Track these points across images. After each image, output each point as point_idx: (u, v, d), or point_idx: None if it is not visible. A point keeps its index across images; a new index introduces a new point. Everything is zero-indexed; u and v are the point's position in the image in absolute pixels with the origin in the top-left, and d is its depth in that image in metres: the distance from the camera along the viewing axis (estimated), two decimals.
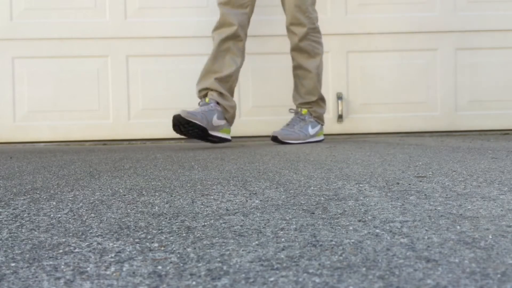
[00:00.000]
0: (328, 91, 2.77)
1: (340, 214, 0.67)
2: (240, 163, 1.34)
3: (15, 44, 2.69)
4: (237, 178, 1.02)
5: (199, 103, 2.14)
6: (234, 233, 0.58)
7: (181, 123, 1.98)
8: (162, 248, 0.53)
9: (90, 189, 0.93)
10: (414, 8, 2.77)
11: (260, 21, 2.73)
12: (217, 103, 2.10)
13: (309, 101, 2.32)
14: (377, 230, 0.58)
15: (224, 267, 0.46)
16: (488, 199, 0.75)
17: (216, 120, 2.07)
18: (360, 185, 0.90)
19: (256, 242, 0.54)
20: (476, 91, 2.79)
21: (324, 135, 2.45)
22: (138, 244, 0.54)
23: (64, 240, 0.57)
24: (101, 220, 0.67)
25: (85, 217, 0.69)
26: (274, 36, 2.73)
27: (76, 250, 0.53)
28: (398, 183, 0.91)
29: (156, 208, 0.74)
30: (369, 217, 0.64)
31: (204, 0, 2.67)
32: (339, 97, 2.75)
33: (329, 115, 2.77)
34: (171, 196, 0.84)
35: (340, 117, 2.74)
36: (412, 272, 0.44)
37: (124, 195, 0.86)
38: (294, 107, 2.40)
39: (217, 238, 0.56)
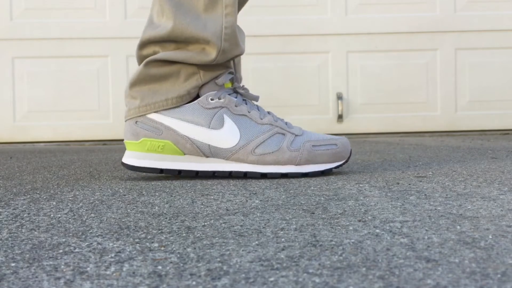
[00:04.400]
0: (328, 91, 2.77)
1: (340, 214, 0.67)
2: None
3: (15, 44, 2.69)
4: (237, 178, 1.02)
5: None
6: (234, 233, 0.58)
7: None
8: (162, 248, 0.53)
9: (90, 189, 0.93)
10: (414, 8, 2.77)
11: (260, 21, 2.73)
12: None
13: None
14: (377, 230, 0.58)
15: (224, 267, 0.46)
16: (488, 199, 0.75)
17: None
18: (360, 185, 0.90)
19: (256, 242, 0.54)
20: (476, 91, 2.80)
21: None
22: (138, 244, 0.54)
23: (64, 240, 0.57)
24: (101, 220, 0.67)
25: (85, 217, 0.69)
26: (274, 36, 2.73)
27: (76, 250, 0.53)
28: (398, 183, 0.91)
29: (156, 208, 0.74)
30: (369, 217, 0.64)
31: None
32: (339, 97, 2.75)
33: (329, 115, 2.77)
34: (171, 196, 0.84)
35: (340, 117, 2.74)
36: (412, 272, 0.44)
37: (124, 195, 0.86)
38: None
39: (217, 238, 0.56)
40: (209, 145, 1.00)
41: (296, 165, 1.00)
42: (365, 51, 2.77)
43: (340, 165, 1.04)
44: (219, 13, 1.00)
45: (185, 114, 1.01)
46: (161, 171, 1.02)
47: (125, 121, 1.05)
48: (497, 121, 2.80)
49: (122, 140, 2.85)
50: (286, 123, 1.04)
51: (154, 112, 1.01)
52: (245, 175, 1.01)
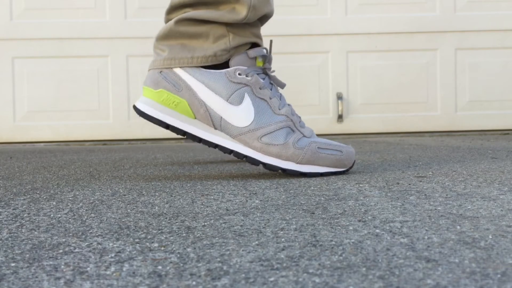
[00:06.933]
0: (328, 91, 2.77)
1: (340, 214, 0.67)
2: (240, 163, 1.34)
3: (15, 44, 2.69)
4: (237, 178, 1.02)
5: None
6: (234, 233, 0.58)
7: None
8: (162, 248, 0.53)
9: (90, 189, 0.93)
10: (414, 8, 2.77)
11: None
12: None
13: None
14: (377, 230, 0.58)
15: (224, 267, 0.46)
16: (488, 199, 0.75)
17: None
18: (360, 185, 0.90)
19: (256, 242, 0.54)
20: (476, 91, 2.80)
21: (324, 135, 2.44)
22: (138, 244, 0.54)
23: (64, 240, 0.57)
24: (101, 220, 0.67)
25: (85, 217, 0.69)
26: (274, 36, 2.73)
27: (76, 250, 0.53)
28: (398, 183, 0.91)
29: (156, 208, 0.74)
30: (369, 217, 0.64)
31: None
32: (339, 97, 2.75)
33: (329, 115, 2.77)
34: (171, 196, 0.84)
35: (340, 117, 2.74)
36: (412, 272, 0.44)
37: (124, 195, 0.86)
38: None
39: (217, 238, 0.56)
40: (221, 117, 0.99)
41: (297, 163, 1.00)
42: (365, 51, 2.77)
43: (340, 172, 1.03)
44: None
45: (209, 79, 0.99)
46: (168, 126, 1.00)
47: (149, 70, 1.03)
48: (497, 121, 2.80)
49: (122, 140, 2.83)
50: (300, 121, 1.03)
51: (180, 67, 1.00)
52: (244, 158, 0.99)
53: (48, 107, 2.69)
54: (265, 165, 0.99)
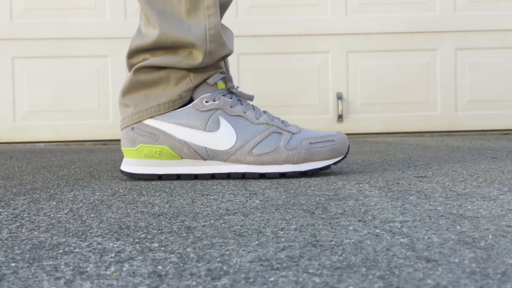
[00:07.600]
0: (328, 91, 2.77)
1: (340, 214, 0.67)
2: None
3: (15, 44, 2.69)
4: (237, 179, 1.02)
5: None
6: (234, 233, 0.58)
7: None
8: (162, 248, 0.53)
9: (90, 189, 0.93)
10: (414, 8, 2.77)
11: (260, 21, 2.73)
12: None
13: None
14: (377, 230, 0.58)
15: (224, 267, 0.46)
16: (488, 199, 0.75)
17: None
18: (360, 185, 0.90)
19: (256, 242, 0.54)
20: (476, 91, 2.80)
21: None
22: (138, 244, 0.54)
23: (64, 240, 0.57)
24: (101, 220, 0.67)
25: (85, 217, 0.69)
26: (274, 36, 2.73)
27: (76, 250, 0.53)
28: (398, 183, 0.91)
29: (156, 208, 0.74)
30: (369, 217, 0.64)
31: None
32: (339, 97, 2.75)
33: (329, 115, 2.77)
34: (171, 196, 0.84)
35: (340, 117, 2.75)
36: (412, 272, 0.44)
37: (124, 195, 0.86)
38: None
39: (217, 238, 0.56)
40: (206, 148, 1.00)
41: (294, 163, 1.00)
42: (365, 51, 2.77)
43: (339, 161, 1.03)
44: (202, 15, 0.99)
45: (180, 118, 1.00)
46: (160, 177, 1.02)
47: (121, 130, 1.04)
48: (497, 121, 2.80)
49: None
50: (282, 122, 1.04)
51: (149, 117, 1.01)
52: (243, 176, 1.01)
53: (48, 107, 2.69)
54: (264, 175, 1.01)
